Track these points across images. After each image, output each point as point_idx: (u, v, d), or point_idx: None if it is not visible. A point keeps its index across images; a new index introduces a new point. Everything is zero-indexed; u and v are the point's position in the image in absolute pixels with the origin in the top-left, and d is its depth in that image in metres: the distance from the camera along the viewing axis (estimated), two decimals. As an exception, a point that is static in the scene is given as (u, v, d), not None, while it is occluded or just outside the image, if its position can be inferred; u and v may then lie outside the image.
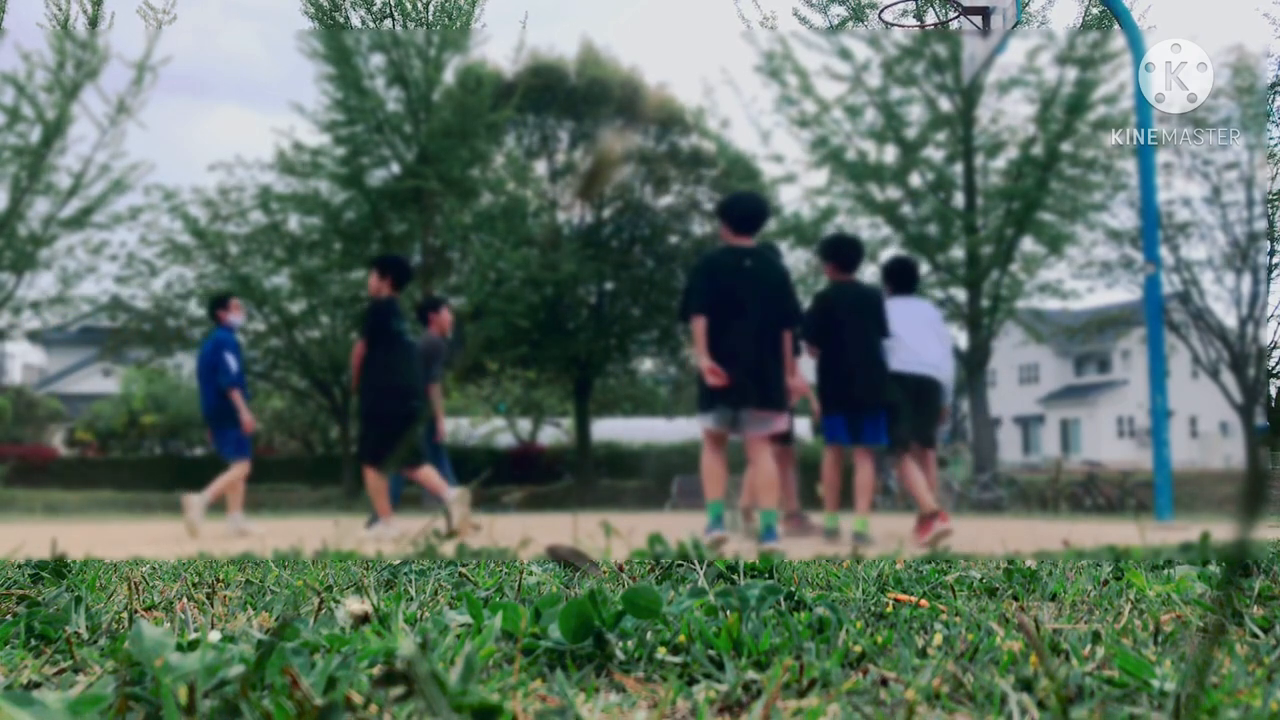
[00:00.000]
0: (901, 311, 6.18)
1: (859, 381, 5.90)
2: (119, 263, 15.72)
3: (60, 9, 13.33)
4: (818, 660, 1.48)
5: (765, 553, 4.58)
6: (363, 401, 6.73)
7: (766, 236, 16.53)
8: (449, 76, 16.10)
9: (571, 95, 19.15)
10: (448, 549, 4.25)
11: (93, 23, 13.42)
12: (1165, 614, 1.99)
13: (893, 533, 6.00)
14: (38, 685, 1.42)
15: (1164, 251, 15.31)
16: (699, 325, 5.29)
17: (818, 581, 2.69)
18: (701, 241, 19.42)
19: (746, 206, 5.64)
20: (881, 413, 5.93)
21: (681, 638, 1.57)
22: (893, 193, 15.50)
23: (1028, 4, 13.28)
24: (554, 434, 19.86)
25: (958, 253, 15.36)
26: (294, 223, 16.27)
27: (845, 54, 15.05)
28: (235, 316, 7.76)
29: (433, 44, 15.68)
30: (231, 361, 7.60)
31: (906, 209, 15.49)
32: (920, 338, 6.27)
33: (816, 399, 6.16)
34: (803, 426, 20.63)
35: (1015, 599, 2.35)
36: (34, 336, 20.02)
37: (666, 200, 19.84)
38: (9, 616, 1.89)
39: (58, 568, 2.82)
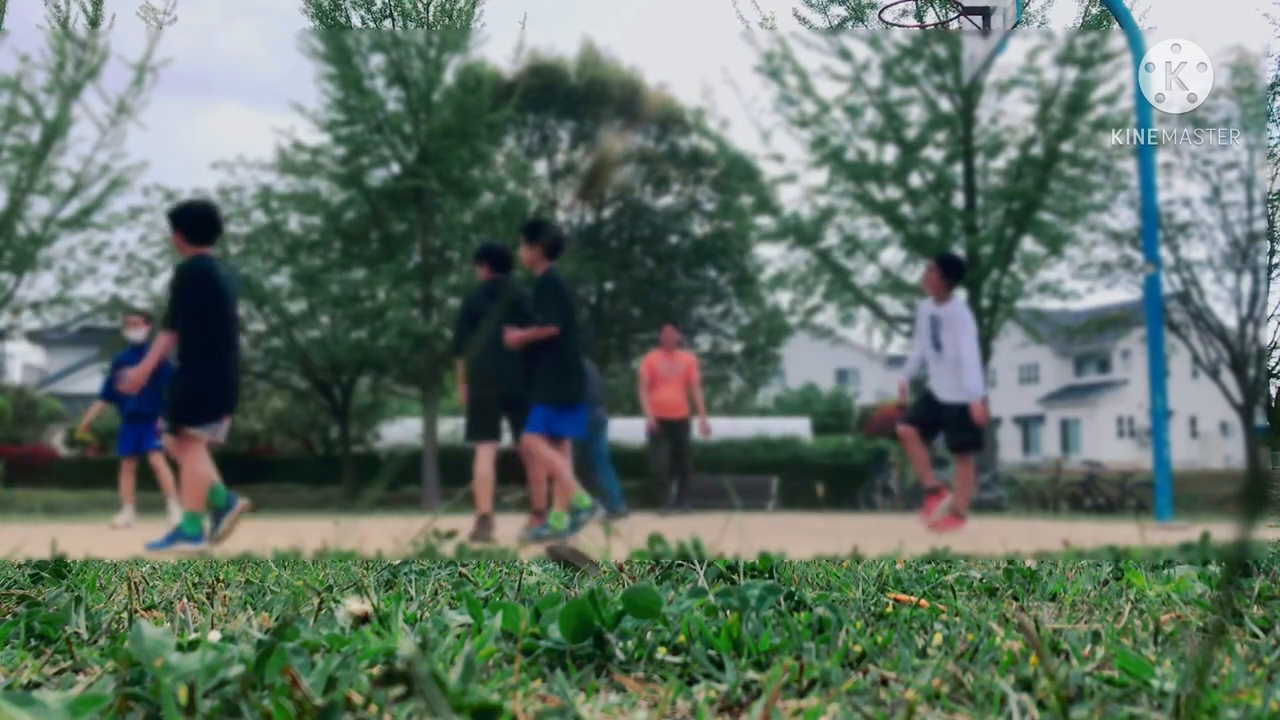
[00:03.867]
0: None
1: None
2: (119, 263, 15.74)
3: (60, 9, 13.32)
4: (818, 660, 1.48)
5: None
6: None
7: (767, 235, 16.52)
8: (449, 76, 16.09)
9: (571, 95, 19.16)
10: (447, 549, 4.25)
11: (93, 23, 13.41)
12: (1165, 614, 1.99)
13: (892, 532, 6.00)
14: (38, 685, 1.42)
15: (1164, 251, 15.31)
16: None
17: (818, 581, 2.69)
18: (701, 241, 19.43)
19: (200, 214, 5.31)
20: None
21: (681, 638, 1.57)
22: (893, 193, 15.49)
23: (1028, 4, 13.27)
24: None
25: (958, 253, 15.36)
26: (294, 222, 16.28)
27: (845, 54, 15.04)
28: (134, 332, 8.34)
29: (433, 44, 15.67)
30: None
31: (906, 209, 15.48)
32: None
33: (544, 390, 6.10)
34: (803, 426, 20.58)
35: (1015, 599, 2.35)
36: (34, 336, 20.03)
37: (666, 200, 19.86)
38: (9, 616, 1.89)
39: (58, 568, 2.82)
